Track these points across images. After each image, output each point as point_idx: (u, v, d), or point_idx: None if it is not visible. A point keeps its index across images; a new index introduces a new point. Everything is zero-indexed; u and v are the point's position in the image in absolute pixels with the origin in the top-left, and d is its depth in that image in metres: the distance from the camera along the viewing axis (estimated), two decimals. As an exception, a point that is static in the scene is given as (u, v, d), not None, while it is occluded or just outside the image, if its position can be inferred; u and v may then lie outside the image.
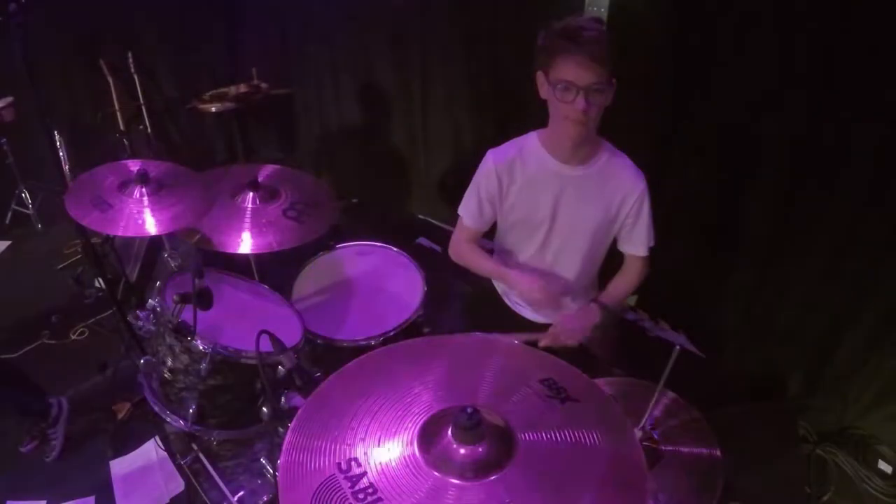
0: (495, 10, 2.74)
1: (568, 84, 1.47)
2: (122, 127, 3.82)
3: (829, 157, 1.97)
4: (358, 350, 1.81)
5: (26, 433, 2.34)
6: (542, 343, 1.68)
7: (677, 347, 1.25)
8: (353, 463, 0.90)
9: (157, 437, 2.29)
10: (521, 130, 1.76)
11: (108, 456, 2.31)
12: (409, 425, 0.96)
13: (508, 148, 1.74)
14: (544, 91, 1.57)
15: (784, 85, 1.99)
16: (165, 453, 2.26)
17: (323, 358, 1.83)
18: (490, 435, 0.91)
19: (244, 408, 1.63)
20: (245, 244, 1.91)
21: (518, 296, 1.89)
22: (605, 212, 1.71)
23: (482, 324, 1.82)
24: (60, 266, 3.38)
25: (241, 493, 2.00)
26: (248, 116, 3.93)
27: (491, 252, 1.94)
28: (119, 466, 2.27)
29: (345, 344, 1.84)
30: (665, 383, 1.32)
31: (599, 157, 1.69)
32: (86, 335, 2.91)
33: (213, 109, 3.54)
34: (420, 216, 3.68)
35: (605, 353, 1.85)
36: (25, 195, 3.77)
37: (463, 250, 1.89)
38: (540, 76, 1.56)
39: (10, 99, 3.51)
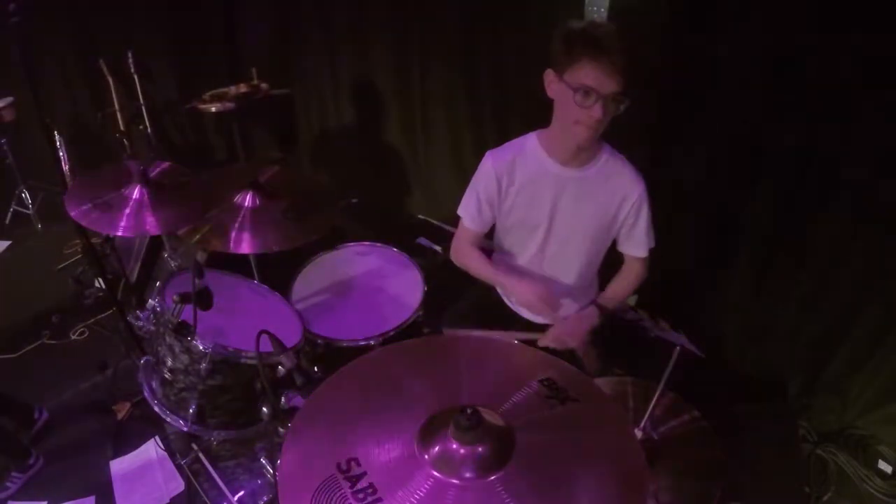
0: (496, 10, 2.74)
1: (589, 90, 1.45)
2: (122, 127, 3.82)
3: (830, 157, 1.97)
4: (358, 350, 1.81)
5: None
6: (541, 343, 1.69)
7: (678, 347, 1.25)
8: (353, 463, 0.90)
9: (157, 437, 2.29)
10: (521, 131, 1.76)
11: (108, 456, 2.31)
12: (409, 425, 0.95)
13: (508, 149, 1.74)
14: (554, 91, 1.55)
15: (784, 85, 1.99)
16: (165, 453, 2.26)
17: (323, 358, 1.83)
18: (490, 435, 0.91)
19: (244, 408, 1.63)
20: (245, 244, 1.91)
21: (515, 302, 1.90)
22: (604, 213, 1.71)
23: (482, 324, 1.82)
24: (60, 266, 3.38)
25: (241, 493, 2.00)
26: (248, 116, 3.93)
27: (492, 253, 1.94)
28: (119, 466, 2.27)
29: (345, 344, 1.84)
30: (665, 383, 1.32)
31: (599, 159, 1.68)
32: (86, 335, 2.91)
33: (213, 109, 3.53)
34: (420, 216, 3.68)
35: (592, 363, 1.82)
36: (25, 195, 3.77)
37: (463, 253, 1.88)
38: (551, 76, 1.53)
39: (10, 99, 3.50)
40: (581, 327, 1.71)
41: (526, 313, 1.94)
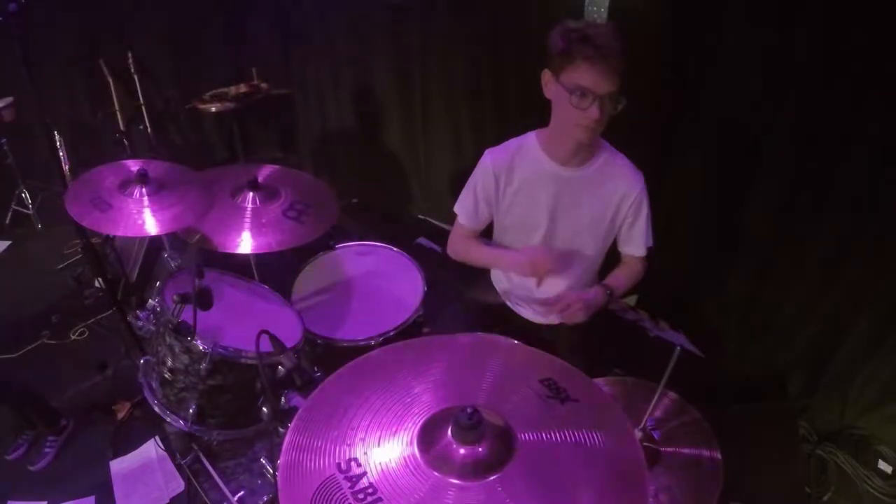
0: (495, 10, 2.74)
1: (585, 91, 1.44)
2: (122, 127, 3.82)
3: (830, 158, 1.97)
4: (358, 350, 1.81)
5: (15, 434, 2.32)
6: (557, 313, 1.64)
7: (678, 348, 1.25)
8: (353, 463, 0.90)
9: (157, 437, 2.29)
10: (521, 130, 1.76)
11: (108, 456, 2.31)
12: (409, 425, 0.95)
13: (506, 148, 1.73)
14: (551, 91, 1.54)
15: (784, 85, 1.99)
16: (165, 453, 2.26)
17: (323, 358, 1.83)
18: (490, 435, 0.91)
19: (244, 408, 1.63)
20: (245, 244, 1.91)
21: (516, 272, 1.85)
22: (604, 212, 1.71)
23: (482, 324, 1.82)
24: (60, 266, 3.38)
25: (241, 493, 2.00)
26: (248, 116, 3.93)
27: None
28: (119, 466, 2.27)
29: (345, 344, 1.84)
30: (665, 383, 1.32)
31: (598, 158, 1.68)
32: (86, 335, 2.91)
33: (213, 109, 3.54)
34: (420, 216, 3.68)
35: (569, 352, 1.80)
36: (25, 195, 3.77)
37: (459, 246, 1.87)
38: (548, 76, 1.53)
39: (10, 99, 3.51)
40: (587, 299, 1.64)
41: (526, 312, 1.94)
